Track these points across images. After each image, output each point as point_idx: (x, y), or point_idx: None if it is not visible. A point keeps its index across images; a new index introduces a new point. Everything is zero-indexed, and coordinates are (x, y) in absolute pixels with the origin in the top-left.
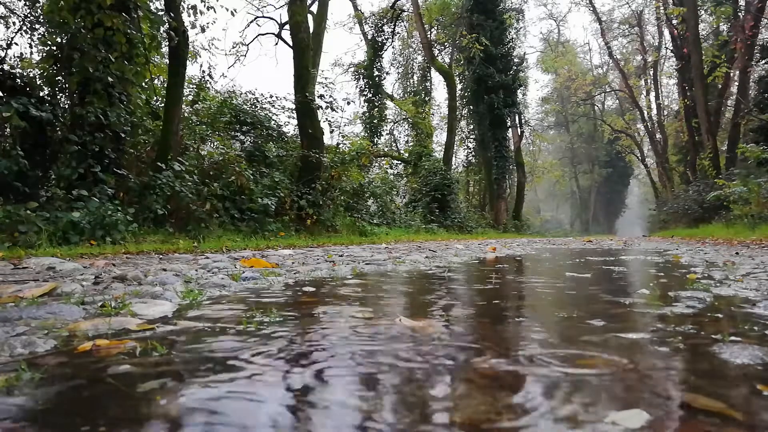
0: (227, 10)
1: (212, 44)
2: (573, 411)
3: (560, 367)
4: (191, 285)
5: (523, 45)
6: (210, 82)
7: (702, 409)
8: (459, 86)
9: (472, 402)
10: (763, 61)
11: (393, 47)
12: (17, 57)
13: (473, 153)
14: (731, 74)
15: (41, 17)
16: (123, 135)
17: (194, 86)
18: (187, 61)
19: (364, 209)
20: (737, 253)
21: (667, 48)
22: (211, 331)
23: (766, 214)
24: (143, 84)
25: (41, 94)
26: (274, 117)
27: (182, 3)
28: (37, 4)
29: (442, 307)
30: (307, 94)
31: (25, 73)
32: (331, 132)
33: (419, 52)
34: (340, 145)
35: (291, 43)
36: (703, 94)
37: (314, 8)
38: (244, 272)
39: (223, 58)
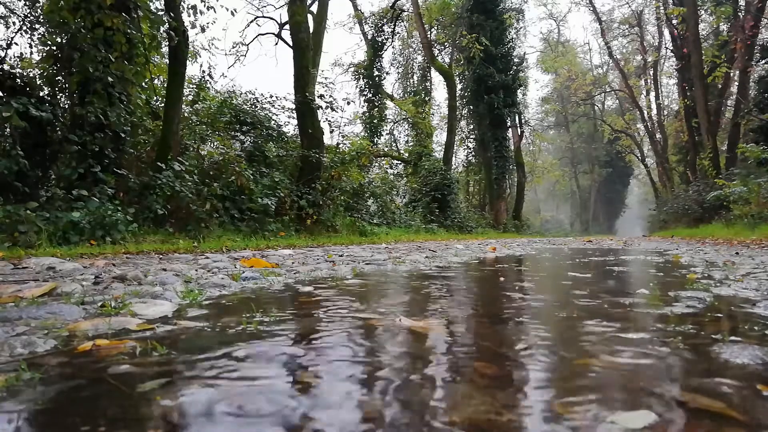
0: (227, 10)
1: (212, 44)
2: (573, 410)
3: (560, 367)
4: (191, 285)
5: (523, 45)
6: (210, 82)
7: (702, 409)
8: (459, 86)
9: (472, 401)
10: (763, 61)
11: (393, 47)
12: (17, 57)
13: (473, 153)
14: (731, 74)
15: (41, 17)
16: (123, 135)
17: (194, 86)
18: (187, 61)
19: (364, 209)
20: (737, 253)
21: (667, 48)
22: (211, 331)
23: (766, 214)
24: (143, 84)
25: (41, 94)
26: (274, 117)
27: (182, 3)
28: (37, 4)
29: (442, 307)
30: (307, 94)
31: (25, 73)
32: (331, 132)
33: (419, 52)
34: (340, 145)
35: (291, 43)
36: (703, 94)
37: (314, 8)
38: (244, 272)
39: (223, 58)
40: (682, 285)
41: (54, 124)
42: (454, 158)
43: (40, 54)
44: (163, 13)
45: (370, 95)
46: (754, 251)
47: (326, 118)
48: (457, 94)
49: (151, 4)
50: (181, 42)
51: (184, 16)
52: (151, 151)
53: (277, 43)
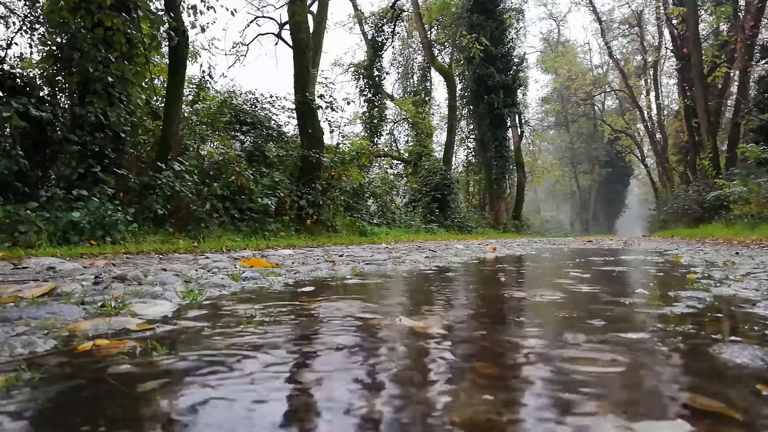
0: (227, 10)
1: (212, 44)
2: (571, 411)
3: (559, 367)
4: (191, 285)
5: (523, 45)
6: (210, 82)
7: (702, 409)
8: (459, 86)
9: (472, 401)
10: (763, 61)
11: (393, 47)
12: (17, 57)
13: (473, 153)
14: (731, 74)
15: (41, 17)
16: (123, 135)
17: (194, 86)
18: (187, 61)
19: (364, 209)
20: (737, 253)
21: (667, 48)
22: (211, 331)
23: (766, 214)
24: (143, 84)
25: (41, 94)
26: (274, 117)
27: (182, 3)
28: (37, 4)
29: (442, 306)
30: (307, 94)
31: (25, 73)
32: (331, 132)
33: (419, 52)
34: (340, 145)
35: (291, 43)
36: (703, 94)
37: (314, 8)
38: (244, 272)
39: (223, 58)
40: (682, 285)
41: (54, 124)
42: (454, 158)
43: (40, 54)
44: (163, 13)
45: (370, 95)
46: (754, 251)
47: (326, 118)
48: (457, 94)
49: (151, 4)
50: (181, 42)
51: (184, 16)
52: (151, 151)
53: (277, 43)
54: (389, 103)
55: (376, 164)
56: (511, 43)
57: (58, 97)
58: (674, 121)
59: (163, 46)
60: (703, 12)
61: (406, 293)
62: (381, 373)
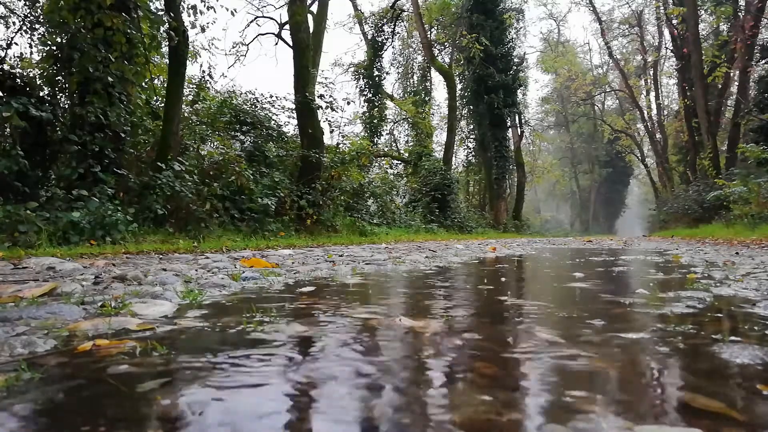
0: (227, 10)
1: (212, 44)
2: (571, 412)
3: (559, 367)
4: (191, 285)
5: (523, 45)
6: (210, 82)
7: (702, 409)
8: (459, 86)
9: (472, 401)
10: (763, 61)
11: (393, 47)
12: (17, 57)
13: (473, 153)
14: (731, 74)
15: (41, 17)
16: (123, 135)
17: (194, 86)
18: (187, 61)
19: (364, 209)
20: (737, 253)
21: (667, 48)
22: (211, 331)
23: (766, 214)
24: (143, 84)
25: (41, 94)
26: (274, 117)
27: (182, 3)
28: (37, 4)
29: (441, 307)
30: (307, 94)
31: (25, 73)
32: (331, 132)
33: (419, 52)
34: (340, 145)
35: (291, 43)
36: (703, 94)
37: (314, 8)
38: (244, 272)
39: (223, 58)
40: (682, 285)
41: (54, 124)
42: (454, 158)
43: (40, 54)
44: (163, 13)
45: (370, 95)
46: (754, 251)
47: (326, 118)
48: (457, 94)
49: (151, 4)
50: (181, 42)
51: (184, 16)
52: (151, 151)
53: (277, 43)
54: (389, 103)
55: (376, 164)
56: (511, 43)
57: (58, 97)
58: (674, 121)
59: (163, 46)
60: (703, 12)
61: (406, 293)
62: (381, 373)
